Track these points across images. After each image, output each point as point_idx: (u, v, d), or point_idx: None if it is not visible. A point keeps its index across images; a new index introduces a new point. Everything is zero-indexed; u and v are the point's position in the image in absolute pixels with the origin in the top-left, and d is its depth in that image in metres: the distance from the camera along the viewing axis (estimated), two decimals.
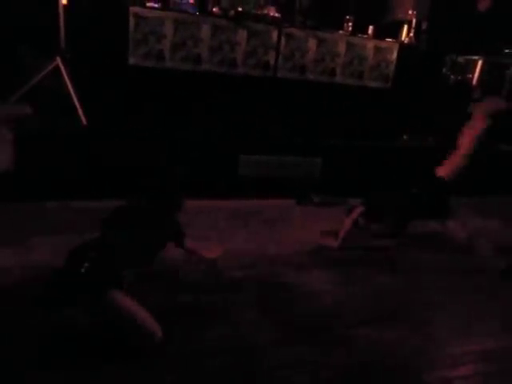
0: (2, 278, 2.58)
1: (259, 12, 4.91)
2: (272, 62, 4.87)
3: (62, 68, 3.86)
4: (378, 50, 5.37)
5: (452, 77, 5.84)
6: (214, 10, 4.70)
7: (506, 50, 5.91)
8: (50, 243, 3.04)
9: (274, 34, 4.76)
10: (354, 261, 3.34)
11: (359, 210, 3.52)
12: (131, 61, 4.32)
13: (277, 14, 4.93)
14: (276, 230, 3.78)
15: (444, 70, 5.87)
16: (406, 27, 5.51)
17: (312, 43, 5.05)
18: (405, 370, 2.24)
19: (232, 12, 4.69)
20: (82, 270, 2.03)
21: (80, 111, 3.93)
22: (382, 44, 5.39)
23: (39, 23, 4.07)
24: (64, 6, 3.90)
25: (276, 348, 2.27)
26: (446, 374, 2.24)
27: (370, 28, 5.36)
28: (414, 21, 5.47)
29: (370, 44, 5.32)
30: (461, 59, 5.81)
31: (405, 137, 5.41)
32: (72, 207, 3.72)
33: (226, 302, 2.58)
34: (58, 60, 3.86)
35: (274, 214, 4.12)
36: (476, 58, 5.71)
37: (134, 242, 2.27)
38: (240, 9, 4.77)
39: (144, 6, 4.32)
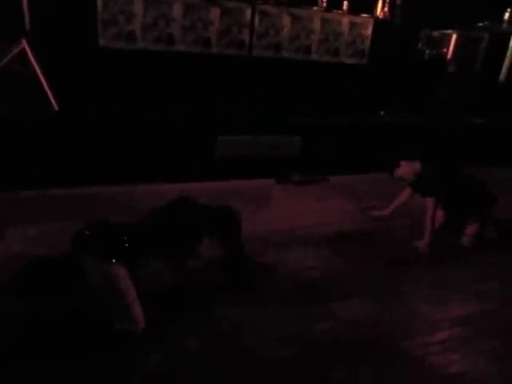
0: None
1: None
2: (247, 40, 4.80)
3: (29, 51, 3.71)
4: (353, 26, 5.34)
5: (427, 51, 5.87)
6: None
7: (480, 24, 5.95)
8: (28, 233, 2.99)
9: (248, 12, 4.68)
10: (333, 239, 3.37)
11: (431, 202, 3.24)
12: (101, 42, 4.19)
13: None
14: (256, 210, 3.79)
15: (419, 44, 5.89)
16: (380, 2, 5.49)
17: (286, 20, 4.98)
18: (386, 339, 2.31)
19: None
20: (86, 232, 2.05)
21: (50, 96, 3.80)
22: (357, 19, 5.36)
23: (1, 4, 3.88)
24: None
25: (258, 325, 2.30)
26: (424, 341, 2.31)
27: (345, 3, 5.31)
28: None
29: (345, 20, 5.28)
30: (436, 33, 5.83)
31: (382, 112, 5.44)
32: (47, 196, 3.65)
33: (206, 284, 2.59)
34: (24, 43, 3.70)
35: (254, 194, 4.12)
36: (450, 32, 5.74)
37: (164, 234, 2.25)
38: None
39: None
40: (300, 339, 2.23)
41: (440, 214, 3.45)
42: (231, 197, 3.94)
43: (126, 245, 2.08)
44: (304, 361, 2.10)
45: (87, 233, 2.07)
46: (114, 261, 2.01)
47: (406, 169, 3.38)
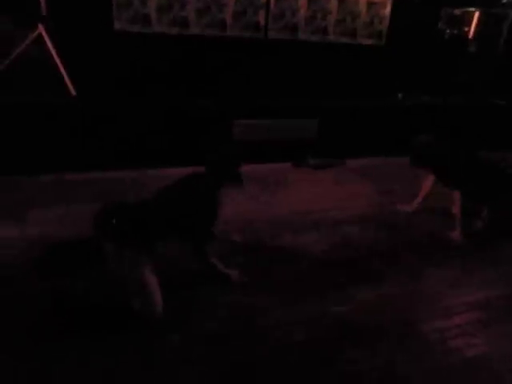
0: (4, 249, 2.60)
1: None
2: (262, 22, 4.72)
3: (45, 36, 3.73)
4: (370, 6, 5.19)
5: (448, 31, 5.68)
6: None
7: (504, 0, 5.73)
8: (48, 216, 3.06)
9: None
10: (350, 222, 3.36)
11: (457, 196, 3.21)
12: (117, 26, 4.17)
13: None
14: (273, 193, 3.79)
15: (439, 24, 5.71)
16: None
17: (303, 1, 4.87)
18: (403, 322, 2.30)
19: None
20: (106, 218, 2.04)
21: (68, 81, 3.83)
22: None
23: None
24: None
25: (274, 308, 2.32)
26: (441, 325, 2.30)
27: None
28: None
29: None
30: (457, 11, 5.63)
31: (400, 95, 5.33)
32: (66, 180, 3.72)
33: (226, 266, 2.61)
34: (41, 28, 3.72)
35: (271, 177, 4.11)
36: (472, 9, 5.54)
37: (178, 211, 2.21)
38: None
39: None
40: (315, 322, 2.24)
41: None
42: (248, 181, 3.94)
43: (145, 228, 2.09)
44: (319, 344, 2.11)
45: (107, 218, 2.06)
46: (133, 246, 2.03)
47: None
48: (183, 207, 2.23)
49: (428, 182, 3.47)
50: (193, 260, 2.37)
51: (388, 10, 5.29)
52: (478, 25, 5.62)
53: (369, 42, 5.34)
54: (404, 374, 1.96)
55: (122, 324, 2.11)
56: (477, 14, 5.52)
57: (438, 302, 2.50)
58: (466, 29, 5.64)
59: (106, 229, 2.04)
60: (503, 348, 2.17)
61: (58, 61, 3.78)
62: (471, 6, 5.53)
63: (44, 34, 3.74)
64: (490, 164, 3.31)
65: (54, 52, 3.76)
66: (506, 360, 2.08)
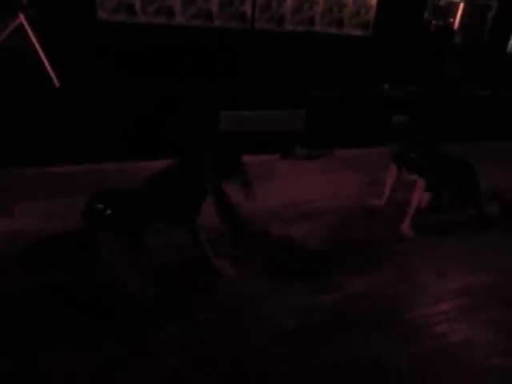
0: None
1: None
2: (249, 12, 4.68)
3: (27, 26, 3.64)
4: None
5: (434, 22, 5.72)
6: None
7: None
8: (34, 209, 3.02)
9: None
10: (338, 212, 3.38)
11: (421, 184, 3.16)
12: (100, 15, 4.09)
13: None
14: (261, 184, 3.77)
15: (425, 14, 5.74)
16: None
17: None
18: (389, 310, 2.35)
19: None
20: (98, 207, 2.03)
21: (51, 72, 3.75)
22: None
23: None
24: None
25: (265, 297, 2.34)
26: (427, 311, 2.35)
27: None
28: None
29: None
30: (442, 2, 5.67)
31: (386, 86, 5.36)
32: (53, 172, 3.66)
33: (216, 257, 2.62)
34: (22, 17, 3.63)
35: (259, 169, 4.09)
36: (457, 0, 5.59)
37: (166, 196, 2.22)
38: None
39: None
40: (305, 311, 2.27)
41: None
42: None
43: (136, 215, 2.09)
44: (310, 332, 2.14)
45: (99, 207, 2.05)
46: (125, 234, 2.03)
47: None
48: (173, 193, 2.24)
49: (391, 173, 3.43)
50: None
51: (375, 0, 5.30)
52: (462, 16, 5.67)
53: (356, 32, 5.34)
54: (393, 358, 2.00)
55: (113, 314, 2.10)
56: (462, 5, 5.57)
57: (424, 290, 2.55)
58: (452, 20, 5.69)
59: (98, 217, 2.03)
60: (485, 334, 2.22)
61: (40, 51, 3.70)
62: None
63: (25, 23, 3.64)
64: (448, 155, 3.32)
65: (36, 42, 3.68)
66: (487, 346, 2.14)
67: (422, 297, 2.49)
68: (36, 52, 3.69)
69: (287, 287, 2.44)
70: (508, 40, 5.82)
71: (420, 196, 3.15)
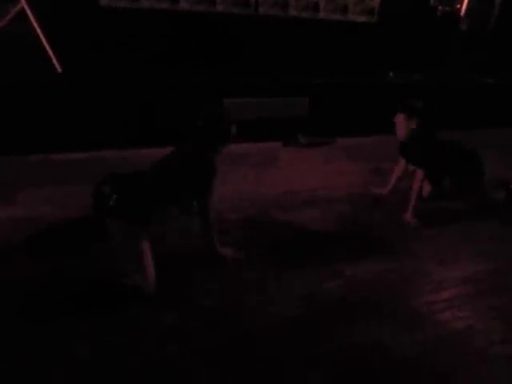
0: None
1: None
2: None
3: (28, 11, 3.61)
4: None
5: (439, 8, 5.63)
6: None
7: None
8: (37, 197, 3.03)
9: None
10: (340, 200, 3.38)
11: (420, 175, 3.11)
12: (103, 1, 4.04)
13: None
14: (264, 172, 3.79)
15: (431, 0, 5.65)
16: None
17: None
18: (392, 297, 2.35)
19: None
20: (106, 192, 2.03)
21: (53, 58, 3.73)
22: None
23: None
24: None
25: (266, 284, 2.35)
26: (430, 299, 2.36)
27: None
28: None
29: None
30: None
31: (391, 73, 5.31)
32: (55, 160, 3.66)
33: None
34: (23, 2, 3.59)
35: (262, 157, 4.10)
36: None
37: (167, 181, 2.20)
38: None
39: None
40: (308, 298, 2.28)
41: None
42: (239, 160, 3.93)
43: (143, 198, 2.08)
44: (313, 318, 2.15)
45: (106, 193, 2.04)
46: (132, 219, 2.04)
47: (401, 126, 3.13)
48: (180, 175, 2.22)
49: (400, 164, 3.41)
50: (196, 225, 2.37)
51: None
52: (469, 2, 5.58)
53: (360, 18, 5.28)
54: (395, 344, 2.01)
55: (113, 302, 2.12)
56: None
57: (426, 278, 2.55)
58: (458, 6, 5.60)
59: (105, 203, 2.03)
60: (487, 321, 2.23)
61: (42, 37, 3.67)
62: None
63: (26, 8, 3.61)
64: (451, 143, 3.29)
65: (37, 27, 3.65)
66: (489, 333, 2.15)
67: (425, 284, 2.49)
68: (38, 37, 3.66)
69: (289, 274, 2.45)
70: None
71: (420, 186, 3.13)
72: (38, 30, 3.65)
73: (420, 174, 3.10)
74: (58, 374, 1.73)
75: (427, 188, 3.40)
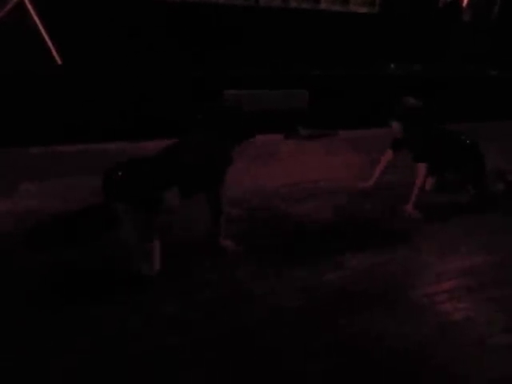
0: None
1: None
2: None
3: (27, 2, 3.58)
4: None
5: None
6: None
7: None
8: (38, 189, 3.03)
9: None
10: (341, 192, 3.38)
11: (423, 169, 3.11)
12: None
13: None
14: (264, 164, 3.78)
15: None
16: None
17: None
18: (393, 289, 2.36)
19: None
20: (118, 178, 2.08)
21: (53, 49, 3.70)
22: None
23: None
24: None
25: (267, 276, 2.35)
26: (430, 290, 2.36)
27: None
28: None
29: None
30: None
31: (392, 65, 5.28)
32: (56, 152, 3.66)
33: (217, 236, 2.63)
34: None
35: (263, 149, 4.09)
36: None
37: (178, 168, 2.22)
38: None
39: None
40: (308, 290, 2.28)
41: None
42: (239, 152, 3.91)
43: (152, 184, 2.10)
44: (313, 309, 2.15)
45: (116, 178, 2.08)
46: (144, 208, 2.06)
47: (396, 129, 3.16)
48: (193, 163, 2.24)
49: (386, 156, 3.39)
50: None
51: None
52: None
53: (362, 9, 5.23)
54: (396, 335, 2.02)
55: (113, 293, 2.13)
56: None
57: (427, 269, 2.55)
58: None
59: (114, 188, 2.07)
60: (487, 312, 2.23)
61: (41, 28, 3.64)
62: None
63: None
64: (452, 135, 3.31)
65: (36, 19, 3.62)
66: (489, 324, 2.15)
67: (425, 276, 2.50)
68: (37, 29, 3.64)
69: (289, 266, 2.45)
70: None
71: (422, 181, 3.13)
72: (37, 22, 3.62)
73: (423, 169, 3.11)
74: (57, 365, 1.74)
75: (429, 180, 3.40)
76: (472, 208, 3.32)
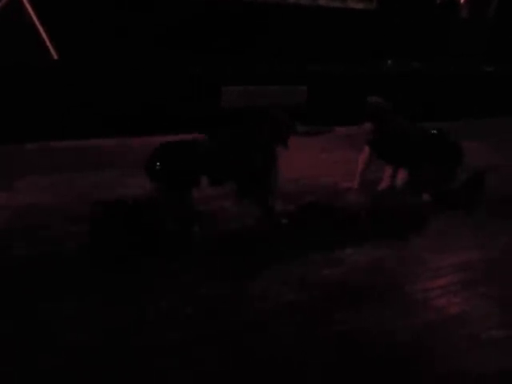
0: None
1: None
2: None
3: None
4: None
5: None
6: None
7: None
8: (35, 184, 3.02)
9: None
10: (337, 188, 3.40)
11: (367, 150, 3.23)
12: None
13: None
14: None
15: None
16: None
17: None
18: (390, 284, 2.38)
19: None
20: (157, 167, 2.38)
21: (49, 44, 3.68)
22: None
23: None
24: None
25: (266, 271, 2.36)
26: (426, 286, 2.38)
27: None
28: None
29: None
30: None
31: (389, 62, 5.28)
32: (53, 147, 3.65)
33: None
34: None
35: None
36: None
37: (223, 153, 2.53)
38: None
39: None
40: (306, 284, 2.30)
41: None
42: None
43: (188, 169, 2.42)
44: (309, 304, 2.17)
45: (156, 161, 2.38)
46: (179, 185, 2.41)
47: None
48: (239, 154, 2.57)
49: (363, 154, 3.42)
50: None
51: None
52: None
53: (359, 5, 5.23)
54: (390, 330, 2.03)
55: (113, 288, 2.14)
56: None
57: (423, 265, 2.58)
58: None
59: (154, 170, 2.38)
60: (482, 307, 2.26)
61: (37, 22, 3.62)
62: None
63: None
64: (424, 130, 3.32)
65: (32, 13, 3.60)
66: (484, 319, 2.18)
67: (421, 271, 2.52)
68: (33, 23, 3.61)
69: (288, 261, 2.46)
70: None
71: (365, 157, 3.30)
72: (33, 16, 3.60)
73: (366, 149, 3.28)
74: (57, 360, 1.74)
75: (401, 175, 3.35)
76: (465, 206, 3.32)
